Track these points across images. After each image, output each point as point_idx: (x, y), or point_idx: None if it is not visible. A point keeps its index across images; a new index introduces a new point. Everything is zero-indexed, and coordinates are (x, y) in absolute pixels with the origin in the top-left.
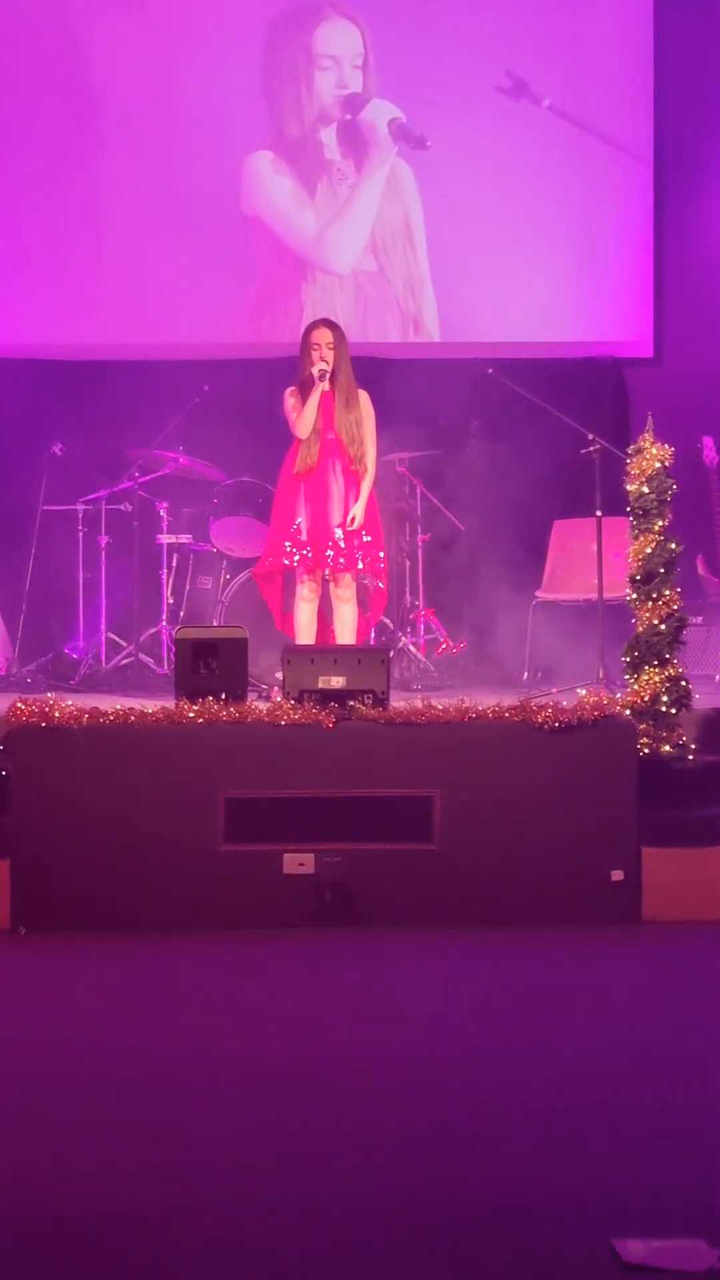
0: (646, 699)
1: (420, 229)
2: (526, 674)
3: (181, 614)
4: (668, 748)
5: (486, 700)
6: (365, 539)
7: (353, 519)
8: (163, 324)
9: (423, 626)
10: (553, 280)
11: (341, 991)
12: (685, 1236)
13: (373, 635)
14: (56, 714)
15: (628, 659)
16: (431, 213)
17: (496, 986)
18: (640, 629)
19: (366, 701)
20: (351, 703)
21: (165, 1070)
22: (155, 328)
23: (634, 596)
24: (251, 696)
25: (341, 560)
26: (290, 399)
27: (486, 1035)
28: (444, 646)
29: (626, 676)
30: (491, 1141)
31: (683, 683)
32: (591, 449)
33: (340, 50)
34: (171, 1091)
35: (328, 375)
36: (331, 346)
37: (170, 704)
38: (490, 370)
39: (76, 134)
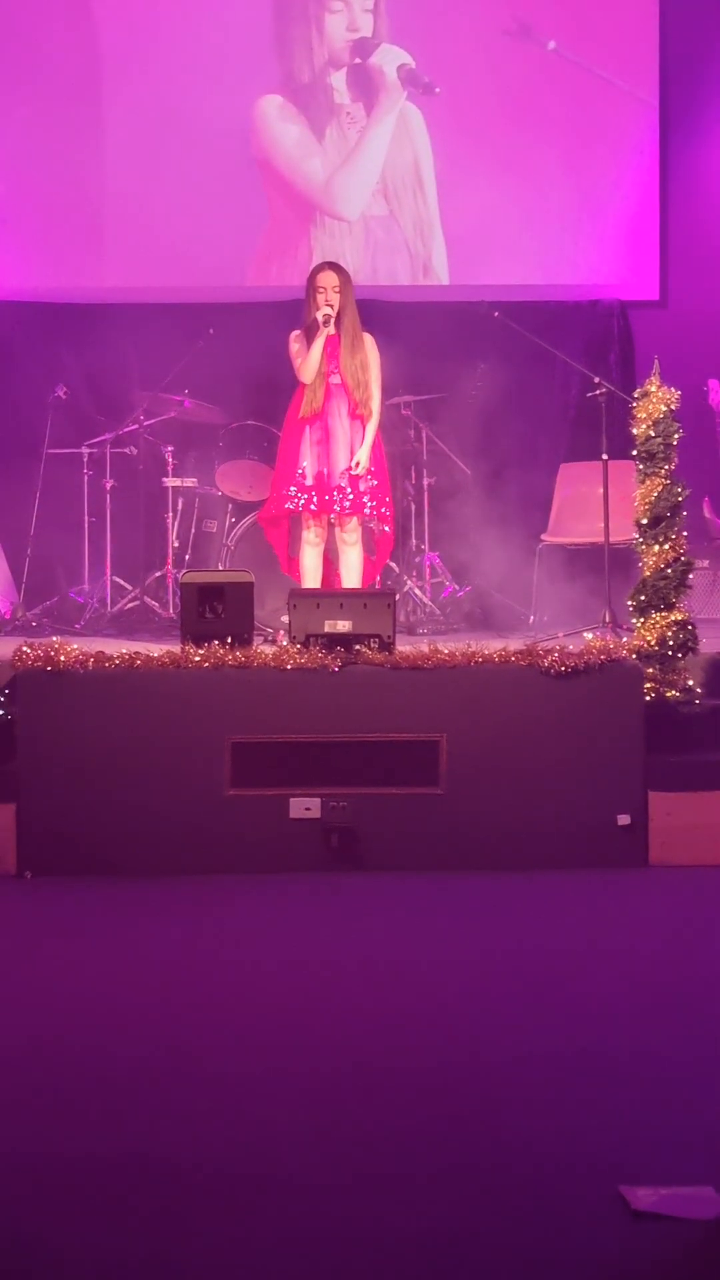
0: (653, 643)
1: (430, 172)
2: (532, 618)
3: (187, 558)
4: (674, 692)
5: (492, 644)
6: (371, 483)
7: (358, 463)
8: (167, 267)
9: (428, 570)
10: (559, 223)
11: (347, 936)
12: (694, 1184)
13: (378, 579)
14: (62, 658)
15: (634, 603)
16: (440, 156)
17: (502, 931)
18: (647, 573)
19: (372, 645)
20: (357, 647)
21: (171, 1014)
22: (160, 271)
23: (640, 540)
24: (257, 640)
25: (347, 504)
26: (295, 343)
27: (492, 980)
28: (450, 590)
29: (633, 620)
30: (499, 1087)
31: (689, 627)
32: (598, 392)
33: None
34: (178, 1035)
35: (333, 320)
36: (337, 290)
37: (176, 648)
38: (496, 313)
39: (81, 76)
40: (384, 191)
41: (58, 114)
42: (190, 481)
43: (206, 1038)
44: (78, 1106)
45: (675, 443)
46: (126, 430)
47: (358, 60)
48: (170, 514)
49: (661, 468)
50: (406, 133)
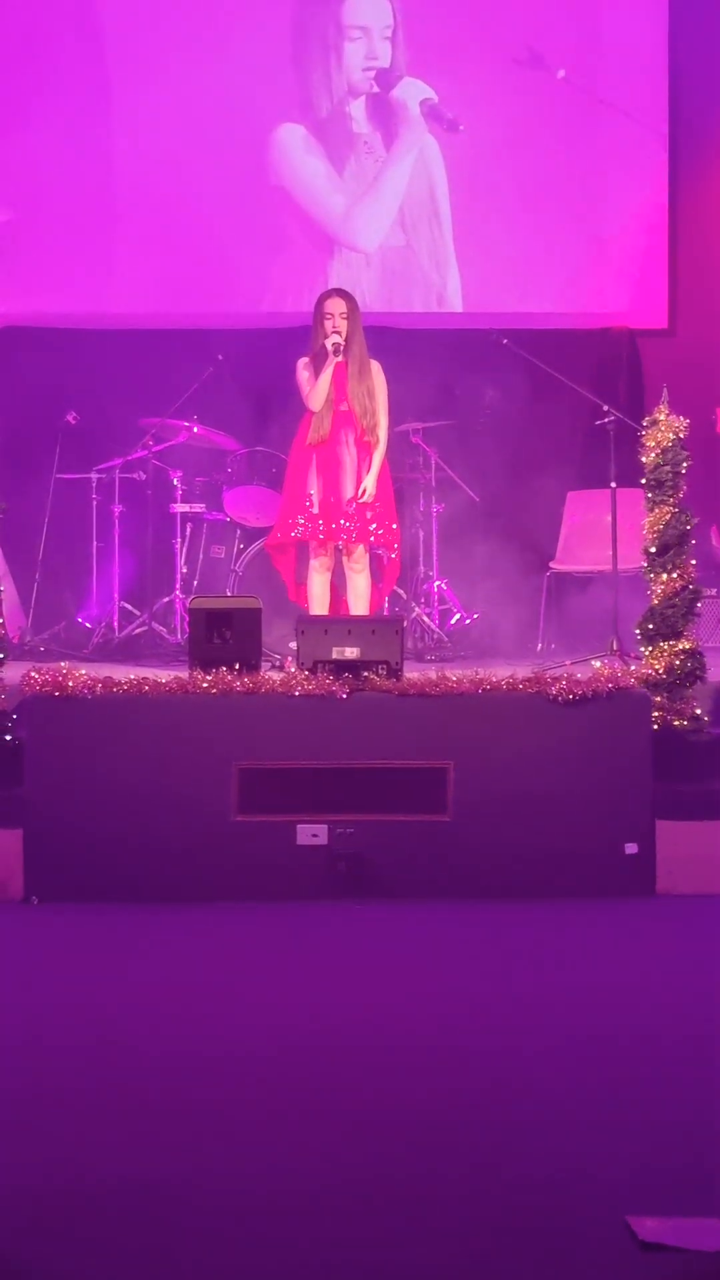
0: (661, 671)
1: (445, 202)
2: (540, 645)
3: (195, 583)
4: (682, 721)
5: (500, 672)
6: (377, 509)
7: (364, 490)
8: (178, 293)
9: (436, 597)
10: (568, 252)
11: (354, 964)
12: (701, 1215)
13: (386, 606)
14: (70, 683)
15: (642, 631)
16: (454, 184)
17: (510, 960)
18: (655, 601)
19: (380, 672)
20: (365, 673)
21: (176, 1042)
22: (170, 297)
23: (649, 569)
24: (265, 667)
25: (354, 532)
26: (304, 370)
27: (500, 1009)
28: (457, 617)
29: (641, 649)
30: (505, 1117)
31: (697, 655)
32: (606, 420)
33: (370, 21)
34: (182, 1063)
35: (341, 348)
36: (345, 316)
37: (184, 674)
38: (504, 340)
39: (94, 100)
40: (402, 222)
41: (70, 138)
42: (198, 507)
43: (210, 1066)
44: (80, 1133)
45: (684, 471)
46: (135, 456)
47: (376, 90)
48: (178, 540)
49: (670, 496)
50: (423, 163)
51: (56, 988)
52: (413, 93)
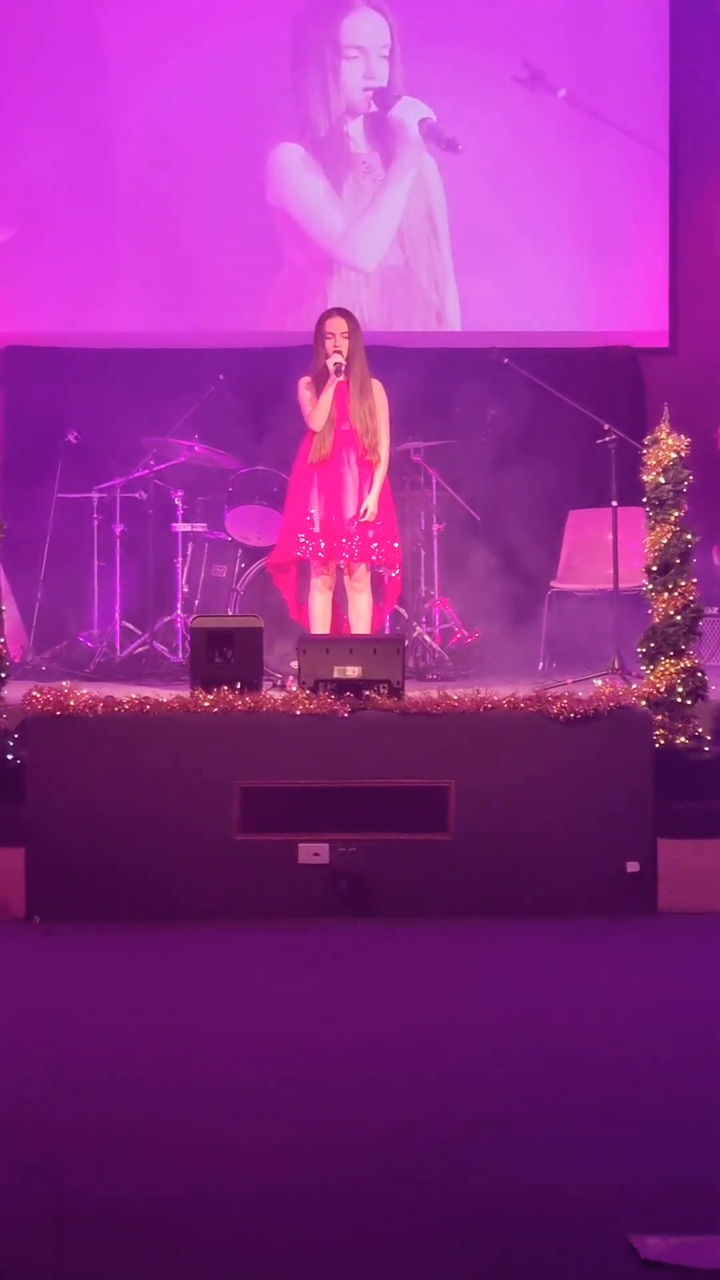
0: (662, 690)
1: (444, 221)
2: (542, 664)
3: (196, 603)
4: (683, 739)
5: (502, 690)
6: (379, 528)
7: (366, 509)
8: (179, 312)
9: (438, 616)
10: (569, 270)
11: (355, 983)
12: (705, 1233)
13: (388, 625)
14: (72, 703)
15: (643, 650)
16: (453, 204)
17: (512, 979)
18: (656, 620)
19: (382, 691)
20: (367, 692)
21: (177, 1060)
22: (171, 316)
23: (650, 587)
24: (267, 686)
25: (355, 551)
26: (305, 390)
27: (501, 1028)
28: (459, 636)
29: (642, 667)
30: (507, 1135)
31: (699, 674)
32: (607, 439)
33: (367, 41)
34: (183, 1082)
35: (343, 368)
36: (346, 335)
37: (185, 693)
38: (505, 359)
39: (96, 122)
40: (400, 241)
41: (70, 158)
42: (200, 527)
43: (211, 1084)
44: (81, 1150)
45: (685, 489)
46: (137, 475)
47: (375, 109)
48: (180, 559)
49: (671, 514)
50: (422, 182)
51: (58, 1007)
52: (411, 112)
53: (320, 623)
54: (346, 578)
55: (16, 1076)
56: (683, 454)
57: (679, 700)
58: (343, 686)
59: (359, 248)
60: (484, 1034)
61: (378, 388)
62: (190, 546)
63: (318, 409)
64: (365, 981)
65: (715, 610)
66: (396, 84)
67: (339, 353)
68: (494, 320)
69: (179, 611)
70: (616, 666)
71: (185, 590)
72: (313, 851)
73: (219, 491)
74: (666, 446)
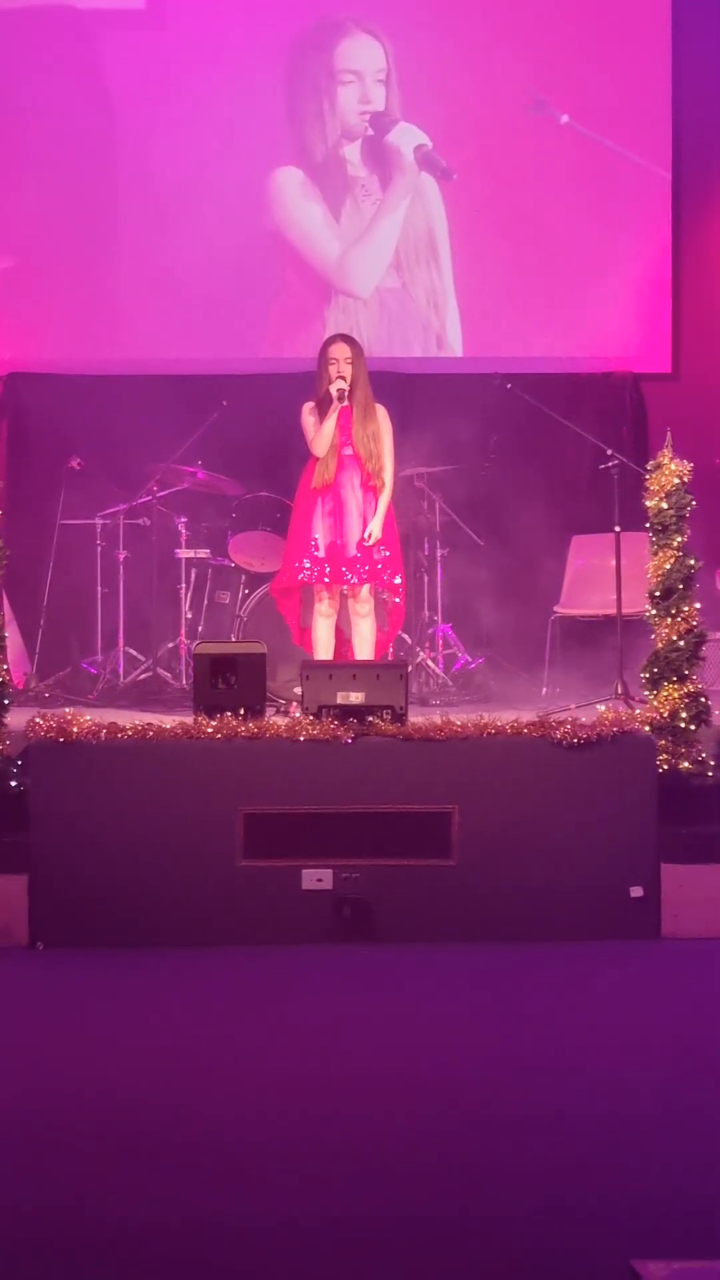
0: (665, 715)
1: (444, 245)
2: (545, 689)
3: (200, 629)
4: (687, 764)
5: (505, 716)
6: (383, 554)
7: (370, 534)
8: (182, 339)
9: (441, 641)
10: (572, 295)
11: (359, 1009)
12: (707, 1258)
13: (391, 650)
14: (74, 729)
15: (647, 675)
16: (454, 228)
17: (514, 1004)
18: (659, 645)
19: (385, 717)
20: (370, 718)
21: (180, 1088)
22: (174, 343)
23: (653, 612)
24: (270, 712)
25: (359, 576)
26: (308, 415)
27: (504, 1054)
28: (462, 661)
29: (645, 692)
30: (509, 1158)
31: (702, 699)
32: (610, 464)
33: (363, 65)
34: (186, 1109)
35: (346, 393)
36: (349, 361)
37: (188, 719)
38: (508, 385)
39: (97, 150)
40: (397, 264)
41: (73, 185)
42: (203, 553)
43: (214, 1110)
44: (84, 1176)
45: (688, 515)
46: (140, 501)
47: (371, 133)
48: (183, 585)
49: (674, 539)
50: (421, 205)
51: (61, 1034)
52: (408, 138)
53: (324, 648)
54: (351, 602)
55: (17, 1102)
56: (685, 479)
57: (682, 725)
58: (346, 712)
59: (355, 273)
60: (487, 1059)
61: (381, 413)
62: (193, 572)
63: (321, 434)
64: (368, 1007)
65: (718, 635)
66: (393, 108)
67: (342, 378)
68: (496, 345)
69: (182, 637)
70: (620, 692)
71: (188, 616)
72: (316, 877)
73: (222, 517)
74: (669, 472)
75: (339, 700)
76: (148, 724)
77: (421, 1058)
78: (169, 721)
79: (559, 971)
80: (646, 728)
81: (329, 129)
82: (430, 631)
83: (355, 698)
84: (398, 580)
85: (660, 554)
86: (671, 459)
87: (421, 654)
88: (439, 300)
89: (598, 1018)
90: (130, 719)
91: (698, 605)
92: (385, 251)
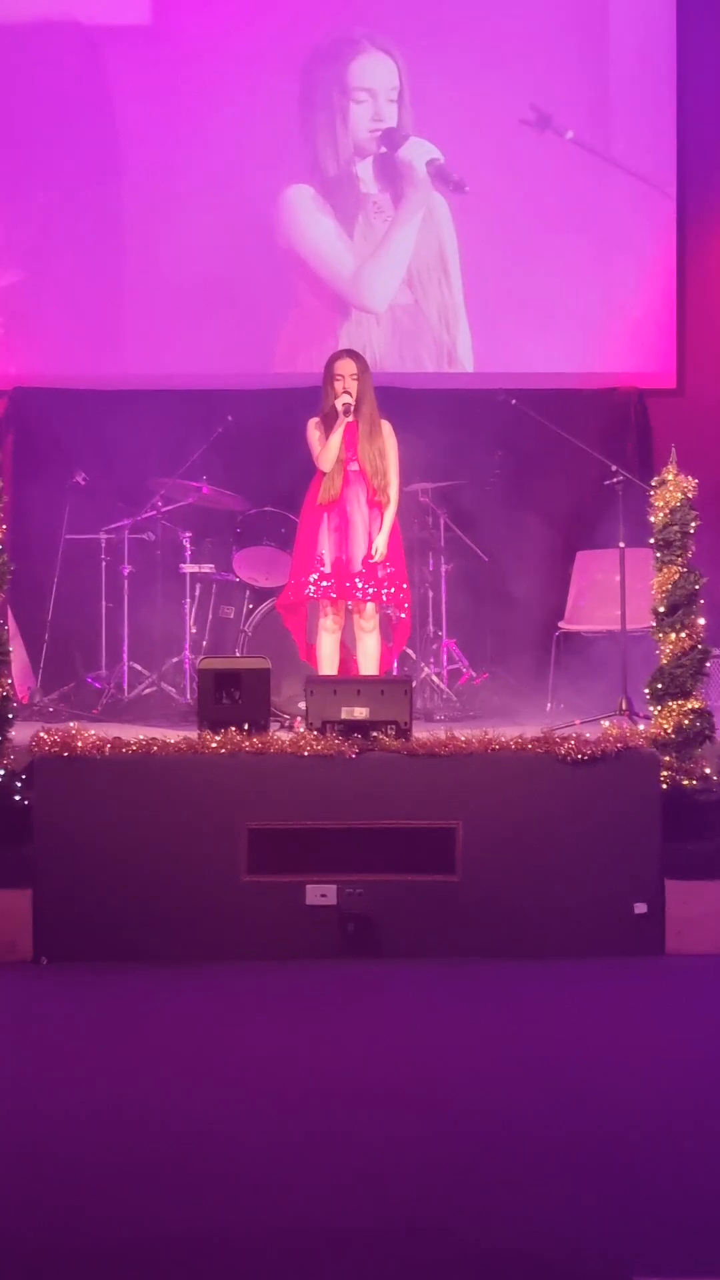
0: (670, 731)
1: (455, 261)
2: (549, 705)
3: (204, 644)
4: (691, 780)
5: (509, 731)
6: (388, 569)
7: (375, 550)
8: (187, 354)
9: (446, 657)
10: (578, 311)
11: (361, 1026)
12: (708, 1276)
13: (396, 665)
14: (79, 744)
15: (651, 691)
16: (464, 244)
17: (517, 1020)
18: (664, 661)
19: (389, 732)
20: (374, 733)
21: (182, 1102)
22: (180, 358)
23: (658, 628)
24: (274, 727)
25: (364, 592)
26: (314, 431)
27: (507, 1071)
28: (467, 677)
29: (650, 708)
30: (512, 1175)
31: (706, 715)
32: (615, 480)
33: (376, 83)
34: (188, 1123)
35: (352, 409)
36: (355, 377)
37: (193, 734)
38: (513, 400)
39: (103, 164)
40: (410, 281)
41: (80, 199)
42: (208, 568)
43: (215, 1127)
44: (87, 1190)
45: (692, 531)
46: (145, 516)
47: (384, 150)
48: (188, 600)
49: (679, 556)
50: (433, 223)
51: (64, 1048)
52: (419, 153)
53: (328, 664)
54: (356, 618)
55: (21, 1116)
56: (690, 495)
57: (686, 741)
58: (350, 728)
59: (369, 289)
60: (489, 1076)
61: (387, 428)
62: (198, 587)
63: (326, 450)
64: (372, 1023)
65: None
66: (405, 125)
67: (348, 393)
68: (502, 361)
69: (187, 652)
70: (624, 708)
71: (193, 631)
72: (320, 893)
73: (227, 532)
74: (674, 488)
75: (343, 715)
76: (152, 739)
77: (424, 1074)
78: (173, 736)
79: (562, 988)
80: (650, 744)
81: (341, 146)
82: (435, 647)
83: (359, 713)
84: (403, 595)
85: (665, 570)
86: (676, 475)
87: (426, 669)
88: (450, 316)
89: (601, 1035)
90: (134, 734)
91: (702, 621)
92: (399, 266)
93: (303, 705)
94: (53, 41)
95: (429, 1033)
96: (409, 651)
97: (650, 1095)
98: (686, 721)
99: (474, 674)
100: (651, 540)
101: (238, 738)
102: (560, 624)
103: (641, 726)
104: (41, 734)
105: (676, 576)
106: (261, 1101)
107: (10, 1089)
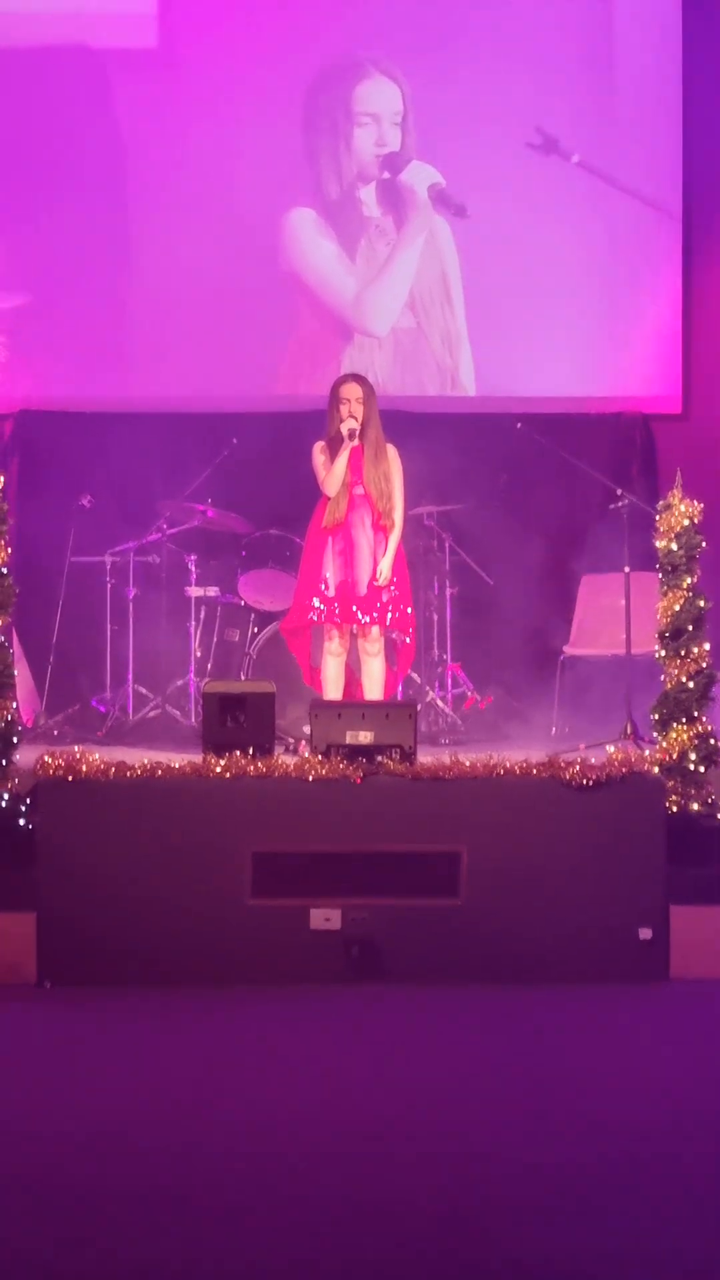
0: (675, 756)
1: (458, 285)
2: (554, 729)
3: (209, 667)
4: (696, 805)
5: (514, 756)
6: (393, 593)
7: (380, 573)
8: (193, 377)
9: (450, 680)
10: (583, 335)
11: (365, 1051)
12: None
13: (400, 689)
14: (83, 767)
15: (656, 716)
16: (468, 268)
17: (521, 1046)
18: (669, 685)
19: (394, 756)
20: (379, 757)
21: (185, 1127)
22: (185, 380)
23: (663, 653)
24: (279, 750)
25: (369, 615)
26: (319, 455)
27: (511, 1095)
28: (472, 701)
29: (655, 733)
30: (515, 1202)
31: (711, 740)
32: (620, 504)
33: (380, 108)
34: (190, 1149)
35: (357, 433)
36: (360, 401)
37: (197, 757)
38: (519, 424)
39: (109, 188)
40: (412, 304)
41: (86, 222)
42: (213, 591)
43: (217, 1151)
44: (86, 1216)
45: (698, 555)
46: (150, 539)
47: (386, 175)
48: (193, 623)
49: (684, 580)
50: (435, 246)
51: (67, 1073)
52: (421, 177)
53: (333, 687)
54: (361, 641)
55: (21, 1141)
56: (695, 520)
57: (692, 766)
58: (355, 751)
59: (371, 312)
60: (493, 1102)
61: (392, 452)
62: (203, 610)
63: (332, 474)
64: (373, 1050)
65: None
66: (409, 149)
67: (353, 418)
68: (507, 384)
69: (191, 675)
70: (629, 732)
71: (198, 654)
72: (324, 917)
73: (232, 555)
74: (679, 512)
75: (348, 739)
76: (156, 762)
77: (427, 1101)
78: (177, 760)
79: (567, 1014)
80: (656, 769)
81: (344, 170)
82: (440, 670)
83: (364, 737)
84: (408, 619)
85: (670, 594)
86: (681, 499)
87: (431, 693)
88: (453, 340)
89: (605, 1062)
90: (139, 757)
91: (707, 646)
92: (401, 289)
93: (307, 729)
94: (60, 65)
95: (432, 1059)
96: (414, 675)
97: (655, 1121)
98: (692, 746)
99: (479, 698)
100: (657, 564)
101: (242, 761)
102: (565, 648)
103: (647, 751)
104: (46, 757)
105: (682, 601)
106: (264, 1127)
107: (11, 1114)
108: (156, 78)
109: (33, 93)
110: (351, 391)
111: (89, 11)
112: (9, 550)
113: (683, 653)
